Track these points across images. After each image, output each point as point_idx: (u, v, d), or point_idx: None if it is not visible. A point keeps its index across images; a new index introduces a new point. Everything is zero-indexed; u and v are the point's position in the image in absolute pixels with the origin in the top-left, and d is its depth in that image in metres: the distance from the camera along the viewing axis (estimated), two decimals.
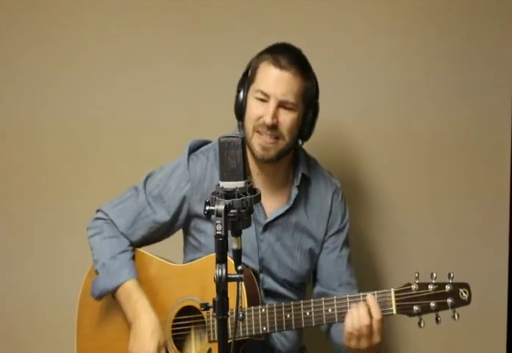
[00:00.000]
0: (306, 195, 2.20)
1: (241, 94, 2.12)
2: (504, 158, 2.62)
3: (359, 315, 1.92)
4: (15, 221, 2.72)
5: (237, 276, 1.60)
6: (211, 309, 1.64)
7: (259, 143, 2.07)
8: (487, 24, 2.58)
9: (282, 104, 2.06)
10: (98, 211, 2.23)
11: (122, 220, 2.18)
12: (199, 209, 2.14)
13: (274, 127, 2.05)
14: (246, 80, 2.12)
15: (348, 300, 1.96)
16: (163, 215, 2.16)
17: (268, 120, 2.04)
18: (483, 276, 2.57)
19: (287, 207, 2.16)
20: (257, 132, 2.07)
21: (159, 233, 2.20)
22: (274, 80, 2.05)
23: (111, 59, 2.64)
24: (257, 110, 2.07)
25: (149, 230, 2.18)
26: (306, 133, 2.15)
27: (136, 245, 2.20)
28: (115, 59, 2.64)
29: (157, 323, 2.07)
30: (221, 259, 1.59)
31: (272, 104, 2.04)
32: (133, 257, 2.17)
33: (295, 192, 2.16)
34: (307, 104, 2.12)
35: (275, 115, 2.05)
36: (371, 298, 1.94)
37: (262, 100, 2.06)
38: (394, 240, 2.65)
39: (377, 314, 1.92)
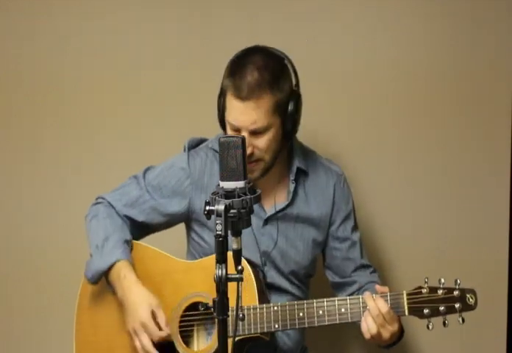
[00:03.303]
0: (305, 187, 2.21)
1: (220, 115, 2.12)
2: (504, 158, 2.62)
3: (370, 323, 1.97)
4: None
5: (238, 276, 1.60)
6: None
7: None
8: (487, 24, 2.59)
9: (254, 132, 2.05)
10: (96, 198, 2.25)
11: (120, 203, 2.21)
12: (199, 204, 2.16)
13: (250, 155, 2.05)
14: (222, 101, 2.10)
15: (361, 300, 2.00)
16: (160, 203, 2.19)
17: None
18: (483, 276, 2.57)
19: (286, 203, 2.18)
20: None
21: (154, 224, 2.22)
22: (240, 113, 2.05)
23: (110, 59, 2.64)
24: None
25: (145, 218, 2.21)
26: (290, 133, 2.12)
27: (133, 226, 2.20)
28: (115, 60, 2.64)
29: (144, 292, 2.07)
30: (221, 259, 1.59)
31: (244, 136, 2.00)
32: (127, 241, 2.17)
33: (292, 186, 2.18)
34: (283, 113, 2.09)
35: (249, 145, 2.03)
36: (371, 305, 1.97)
37: (234, 130, 2.07)
38: (393, 242, 2.66)
39: (383, 308, 1.96)
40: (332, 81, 2.58)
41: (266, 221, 2.18)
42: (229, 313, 1.64)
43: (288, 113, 2.09)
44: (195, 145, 2.24)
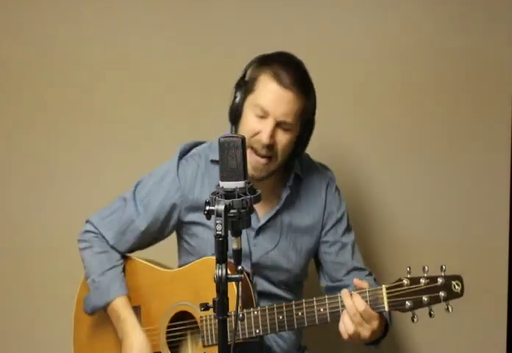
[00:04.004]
0: (298, 193, 2.18)
1: (237, 100, 2.06)
2: (504, 158, 2.62)
3: (347, 322, 1.91)
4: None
5: (237, 276, 1.60)
6: (205, 312, 1.64)
7: (250, 161, 1.95)
8: (487, 24, 2.59)
9: (280, 124, 2.01)
10: (87, 222, 2.22)
11: (111, 234, 2.17)
12: (190, 217, 2.15)
13: (269, 147, 2.02)
14: (244, 86, 2.06)
15: (339, 299, 1.94)
16: (152, 224, 2.16)
17: (265, 140, 2.00)
18: (483, 276, 2.57)
19: (277, 208, 2.15)
20: (251, 148, 2.02)
21: (149, 241, 2.21)
22: (275, 98, 2.00)
23: (109, 60, 2.64)
24: (255, 126, 2.02)
25: (139, 240, 2.18)
26: (299, 151, 2.11)
27: (127, 252, 2.21)
28: (114, 61, 2.64)
29: (143, 341, 2.07)
30: (221, 259, 1.59)
31: (270, 123, 2.00)
32: (123, 270, 2.17)
33: (287, 192, 2.14)
34: (305, 123, 2.08)
35: (272, 135, 2.00)
36: (348, 304, 1.91)
37: (260, 116, 2.02)
38: (392, 243, 2.66)
39: (360, 306, 1.89)
40: (329, 82, 2.57)
41: (258, 231, 2.15)
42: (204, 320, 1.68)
43: (307, 126, 2.09)
44: (187, 151, 2.20)
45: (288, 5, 2.59)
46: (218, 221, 1.58)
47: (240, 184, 1.62)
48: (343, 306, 1.93)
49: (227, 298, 1.61)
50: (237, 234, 1.62)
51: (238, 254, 1.64)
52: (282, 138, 2.03)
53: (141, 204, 2.16)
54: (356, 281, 1.97)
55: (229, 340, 1.66)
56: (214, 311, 1.61)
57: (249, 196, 1.62)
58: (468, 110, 2.62)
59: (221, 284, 1.58)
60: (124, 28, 2.63)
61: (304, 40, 2.53)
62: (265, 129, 2.00)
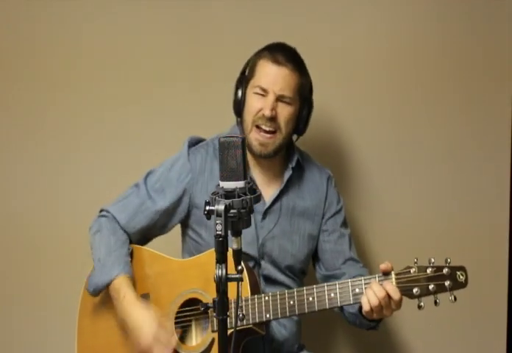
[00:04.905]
0: (301, 179, 2.27)
1: (240, 91, 2.20)
2: (504, 158, 2.62)
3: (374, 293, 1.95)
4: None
5: (238, 276, 1.61)
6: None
7: (257, 137, 2.15)
8: (487, 24, 2.59)
9: (279, 98, 2.15)
10: (101, 211, 2.27)
11: (123, 215, 2.22)
12: (201, 199, 2.19)
13: (272, 119, 2.14)
14: (244, 78, 2.21)
15: (350, 284, 2.00)
16: (164, 205, 2.21)
17: (267, 112, 2.13)
18: (483, 277, 2.57)
19: (281, 189, 2.22)
20: (256, 126, 2.15)
21: (158, 226, 2.23)
22: (272, 76, 2.15)
23: (110, 59, 2.64)
24: (257, 104, 2.16)
25: (149, 223, 2.22)
26: (301, 128, 2.24)
27: (135, 239, 2.23)
28: (114, 60, 2.64)
29: (143, 315, 2.06)
30: (221, 259, 1.59)
31: (271, 98, 2.14)
32: (129, 254, 2.19)
33: (289, 173, 2.23)
34: (303, 99, 2.21)
35: (273, 108, 2.13)
36: (377, 289, 1.95)
37: (261, 95, 2.15)
38: (388, 234, 2.66)
39: (396, 295, 1.94)
40: (328, 82, 2.58)
41: (265, 214, 2.21)
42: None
43: (306, 103, 2.20)
44: (195, 143, 2.28)
45: (288, 5, 2.59)
46: (218, 221, 1.58)
47: (240, 184, 1.63)
48: (353, 290, 1.98)
49: (227, 298, 1.61)
50: (237, 234, 1.63)
51: (238, 254, 1.64)
52: (283, 111, 2.15)
53: (152, 189, 2.22)
54: (382, 266, 1.99)
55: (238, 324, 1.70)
56: (214, 311, 1.61)
57: (249, 196, 1.63)
58: (469, 110, 2.62)
59: (221, 284, 1.59)
60: (124, 27, 2.62)
61: (304, 40, 2.53)
62: (266, 103, 2.14)
